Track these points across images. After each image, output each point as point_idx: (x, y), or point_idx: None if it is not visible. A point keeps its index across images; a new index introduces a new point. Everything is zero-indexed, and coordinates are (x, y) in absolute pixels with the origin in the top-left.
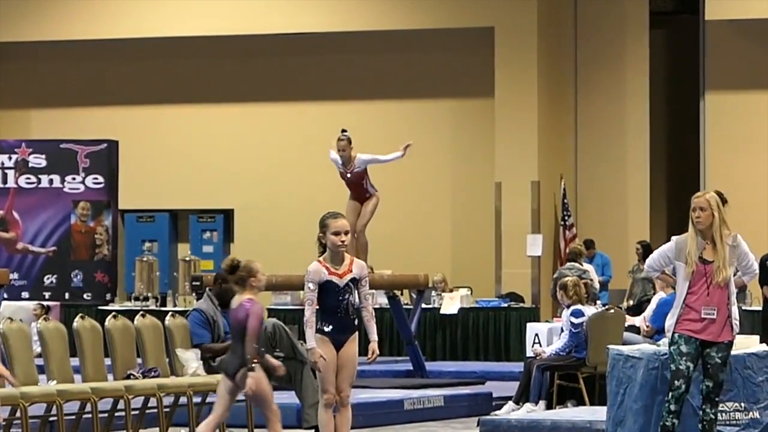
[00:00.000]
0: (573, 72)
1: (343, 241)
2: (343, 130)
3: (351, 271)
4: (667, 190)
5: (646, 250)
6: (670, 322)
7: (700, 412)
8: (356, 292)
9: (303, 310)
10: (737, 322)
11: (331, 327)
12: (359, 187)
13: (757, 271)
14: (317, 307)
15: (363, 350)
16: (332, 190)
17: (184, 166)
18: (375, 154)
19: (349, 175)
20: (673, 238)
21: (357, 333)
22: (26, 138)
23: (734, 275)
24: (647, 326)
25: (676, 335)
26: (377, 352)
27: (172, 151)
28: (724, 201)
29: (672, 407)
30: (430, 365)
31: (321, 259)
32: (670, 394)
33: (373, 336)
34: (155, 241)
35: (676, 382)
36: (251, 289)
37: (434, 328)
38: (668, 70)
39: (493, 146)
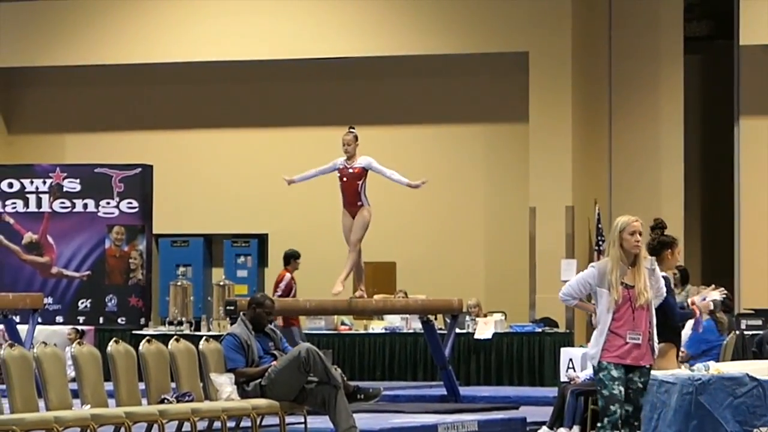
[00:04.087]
0: (607, 97)
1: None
2: (351, 127)
3: None
4: (701, 215)
5: (683, 275)
6: (594, 350)
7: None
8: None
9: (337, 334)
10: (657, 346)
11: None
12: (353, 190)
13: (665, 295)
14: None
15: None
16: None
17: (219, 191)
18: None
19: (350, 170)
20: (592, 264)
21: None
22: (61, 162)
23: None
24: (682, 351)
25: (603, 362)
26: None
27: (206, 175)
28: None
29: None
30: (464, 390)
31: None
32: (606, 420)
33: None
34: (189, 265)
35: (611, 407)
36: None
37: (468, 353)
38: (703, 95)
39: (527, 171)
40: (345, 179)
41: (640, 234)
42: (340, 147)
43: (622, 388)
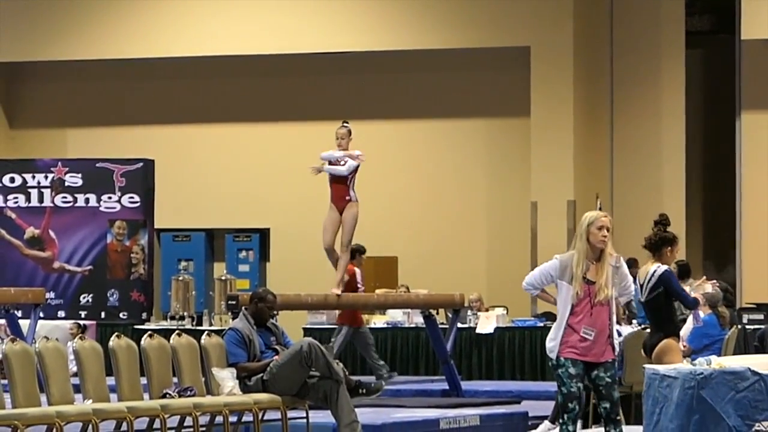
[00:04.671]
0: (609, 91)
1: None
2: (345, 121)
3: None
4: (702, 210)
5: (684, 269)
6: (552, 343)
7: None
8: None
9: (337, 329)
10: (618, 342)
11: None
12: (343, 184)
13: (633, 294)
14: None
15: None
16: (367, 209)
17: (221, 186)
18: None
19: (342, 162)
20: (557, 256)
21: None
22: (62, 157)
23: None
24: (684, 346)
25: (561, 359)
26: None
27: (208, 170)
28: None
29: (570, 428)
30: (465, 384)
31: None
32: (566, 416)
33: None
34: (191, 260)
35: (569, 404)
36: None
37: (470, 348)
38: (704, 89)
39: (529, 166)
40: (336, 175)
41: (608, 230)
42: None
43: (580, 385)
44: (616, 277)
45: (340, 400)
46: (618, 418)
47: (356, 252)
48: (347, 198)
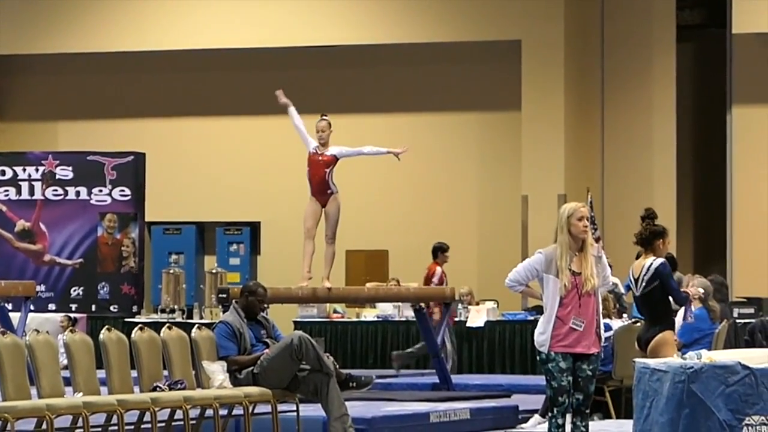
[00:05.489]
0: (600, 85)
1: None
2: (324, 114)
3: None
4: (693, 204)
5: (671, 262)
6: (542, 337)
7: (570, 425)
8: None
9: (330, 322)
10: (603, 333)
11: None
12: (322, 177)
13: (612, 284)
14: None
15: None
16: (358, 202)
17: (211, 179)
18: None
19: (319, 157)
20: (540, 250)
21: None
22: (53, 150)
23: None
24: (675, 340)
25: (552, 353)
26: None
27: (199, 163)
28: None
29: (559, 421)
30: (456, 378)
31: None
32: (555, 410)
33: None
34: (182, 253)
35: (560, 398)
36: None
37: (460, 341)
38: (695, 83)
39: (520, 159)
40: (313, 166)
41: (588, 220)
42: (332, 135)
43: (570, 378)
44: (598, 267)
45: (330, 393)
46: (587, 411)
47: (438, 250)
48: (329, 191)
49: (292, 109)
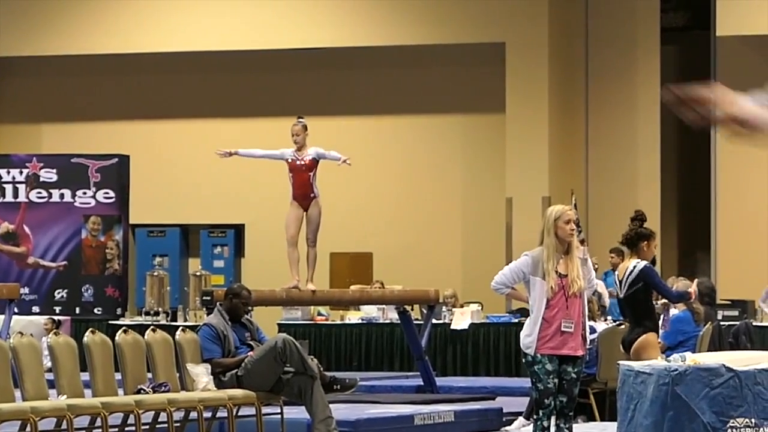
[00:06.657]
0: (584, 87)
1: None
2: (300, 117)
3: None
4: (677, 206)
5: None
6: (529, 339)
7: (555, 428)
8: None
9: (314, 325)
10: (589, 336)
11: None
12: (305, 181)
13: (596, 286)
14: None
15: None
16: (342, 205)
17: (195, 181)
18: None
19: (299, 162)
20: (526, 253)
21: None
22: (37, 152)
23: None
24: (658, 342)
25: (538, 355)
26: None
27: (183, 165)
28: None
29: (545, 424)
30: (440, 380)
31: None
32: (541, 412)
33: None
34: (166, 255)
35: (546, 400)
36: None
37: (445, 344)
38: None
39: (504, 162)
40: (295, 172)
41: (574, 223)
42: (316, 137)
43: (556, 381)
44: (584, 269)
45: (314, 395)
46: (571, 414)
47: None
48: (312, 195)
49: (241, 152)
